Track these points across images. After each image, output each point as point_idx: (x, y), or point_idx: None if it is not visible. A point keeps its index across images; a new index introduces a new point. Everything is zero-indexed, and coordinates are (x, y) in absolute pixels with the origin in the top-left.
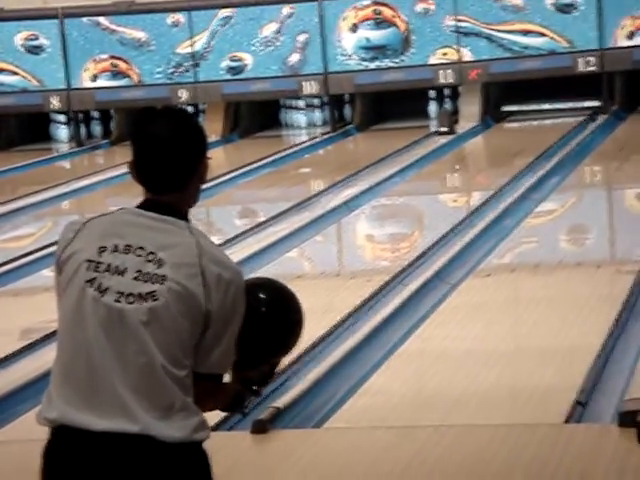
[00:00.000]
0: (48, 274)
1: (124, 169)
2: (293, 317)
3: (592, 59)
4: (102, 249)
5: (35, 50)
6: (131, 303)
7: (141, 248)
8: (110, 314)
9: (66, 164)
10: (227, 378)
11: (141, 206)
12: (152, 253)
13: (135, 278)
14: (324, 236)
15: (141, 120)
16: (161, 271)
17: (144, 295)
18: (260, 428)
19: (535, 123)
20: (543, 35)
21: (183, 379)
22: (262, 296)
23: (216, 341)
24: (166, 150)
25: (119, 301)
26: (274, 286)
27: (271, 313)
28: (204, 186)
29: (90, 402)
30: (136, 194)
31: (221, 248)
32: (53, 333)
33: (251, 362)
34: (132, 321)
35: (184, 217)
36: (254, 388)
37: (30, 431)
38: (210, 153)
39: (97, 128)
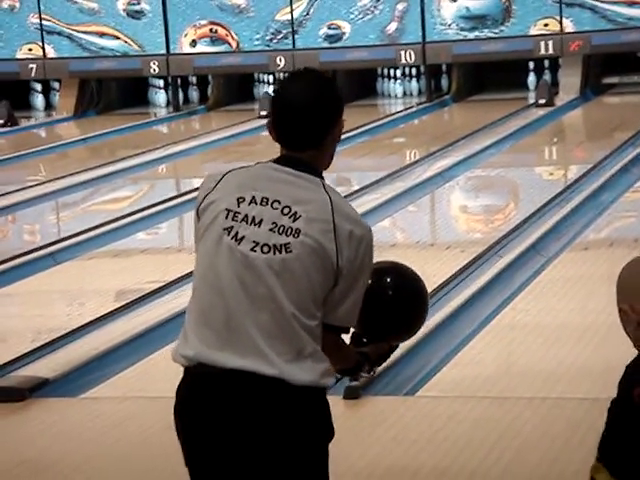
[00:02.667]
0: (144, 236)
1: (220, 134)
2: (419, 305)
3: None
4: (240, 200)
5: (136, 15)
6: (265, 253)
7: (277, 201)
8: (245, 262)
9: (163, 128)
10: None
11: (278, 161)
12: (287, 207)
13: (270, 230)
14: (417, 206)
15: (283, 80)
16: (296, 225)
17: (278, 246)
18: (352, 394)
19: (636, 97)
20: None
21: (313, 328)
22: (389, 280)
23: (344, 295)
24: (305, 108)
25: (254, 250)
26: (401, 271)
27: (398, 299)
28: None
29: (226, 343)
30: (231, 160)
31: (352, 204)
32: (148, 294)
33: (372, 340)
34: (265, 270)
35: (319, 174)
36: (370, 364)
37: (126, 389)
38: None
39: (194, 93)
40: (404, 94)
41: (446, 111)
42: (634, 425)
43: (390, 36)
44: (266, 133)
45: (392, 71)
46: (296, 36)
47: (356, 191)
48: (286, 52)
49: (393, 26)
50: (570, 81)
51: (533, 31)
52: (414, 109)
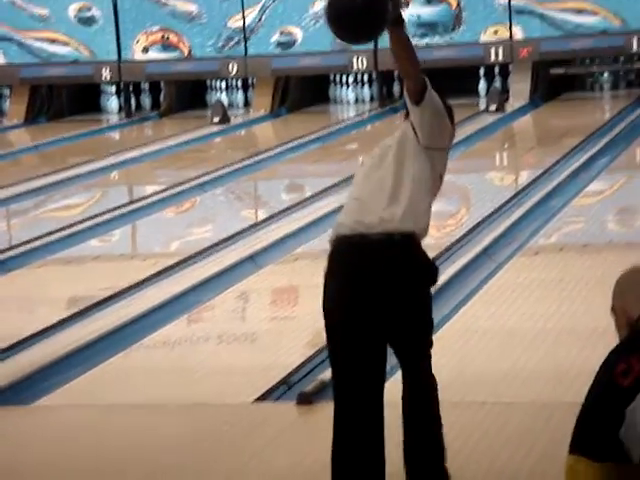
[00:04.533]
0: (96, 244)
1: (172, 141)
2: None
3: None
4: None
5: (88, 21)
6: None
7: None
8: (372, 165)
9: (115, 135)
10: None
11: None
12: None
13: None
14: None
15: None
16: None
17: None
18: (305, 400)
19: (584, 103)
20: (596, 14)
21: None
22: None
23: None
24: None
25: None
26: None
27: None
28: (251, 160)
29: (359, 212)
30: (182, 166)
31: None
32: (101, 302)
33: None
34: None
35: None
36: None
37: (77, 397)
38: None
39: (146, 100)
40: (356, 100)
41: (398, 117)
42: (617, 404)
43: (342, 43)
44: (219, 139)
45: (344, 77)
46: (248, 42)
47: (309, 197)
48: (238, 59)
49: None
50: (520, 87)
51: (483, 38)
52: (366, 115)
